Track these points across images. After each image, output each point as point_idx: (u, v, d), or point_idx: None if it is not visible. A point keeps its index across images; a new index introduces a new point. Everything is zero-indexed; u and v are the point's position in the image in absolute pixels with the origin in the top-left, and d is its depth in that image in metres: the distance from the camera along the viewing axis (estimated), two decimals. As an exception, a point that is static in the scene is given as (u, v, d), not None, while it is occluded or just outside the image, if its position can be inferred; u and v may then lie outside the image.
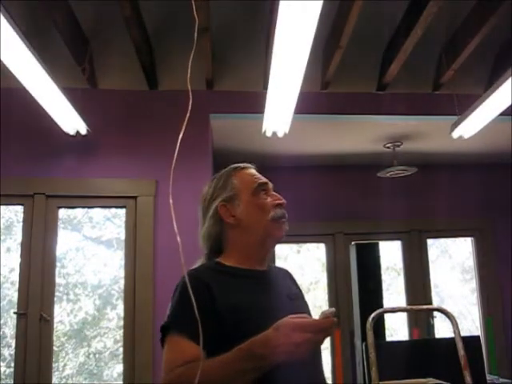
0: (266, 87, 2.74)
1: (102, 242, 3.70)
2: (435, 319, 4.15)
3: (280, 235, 1.39)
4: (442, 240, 4.82)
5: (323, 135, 3.76)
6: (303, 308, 1.44)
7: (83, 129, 2.89)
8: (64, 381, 3.54)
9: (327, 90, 3.34)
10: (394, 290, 4.78)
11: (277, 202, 1.40)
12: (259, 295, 1.31)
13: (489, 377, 3.15)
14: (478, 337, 2.52)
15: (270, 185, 1.44)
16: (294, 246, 4.78)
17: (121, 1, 2.39)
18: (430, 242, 4.54)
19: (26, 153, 3.08)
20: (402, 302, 4.42)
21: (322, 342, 1.09)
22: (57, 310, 3.22)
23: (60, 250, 3.23)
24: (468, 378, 1.28)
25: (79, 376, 3.57)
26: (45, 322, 2.93)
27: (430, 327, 4.15)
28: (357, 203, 4.34)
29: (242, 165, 1.47)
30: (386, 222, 4.32)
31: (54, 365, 3.08)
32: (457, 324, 1.38)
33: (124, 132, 3.18)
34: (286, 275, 1.54)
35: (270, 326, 1.07)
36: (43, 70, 2.25)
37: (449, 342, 1.52)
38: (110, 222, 3.67)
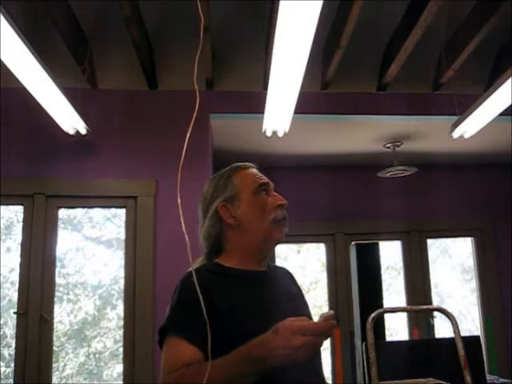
0: (266, 87, 2.75)
1: (101, 242, 3.70)
2: (435, 319, 4.15)
3: (280, 237, 1.38)
4: (442, 240, 4.82)
5: (323, 135, 3.76)
6: (303, 308, 1.44)
7: (83, 129, 2.89)
8: (64, 381, 3.54)
9: (327, 90, 3.34)
10: (393, 290, 4.78)
11: (278, 202, 1.38)
12: (258, 296, 1.30)
13: (489, 377, 3.15)
14: (477, 337, 2.51)
15: (272, 185, 1.43)
16: (293, 246, 4.78)
17: (121, 1, 2.39)
18: (429, 242, 4.54)
19: (26, 153, 3.08)
20: (402, 302, 4.42)
21: (321, 344, 1.08)
22: (57, 309, 3.22)
23: (60, 250, 3.23)
24: (468, 378, 1.28)
25: (79, 376, 3.57)
26: (45, 322, 2.93)
27: (430, 327, 4.15)
28: (357, 203, 4.34)
29: (243, 164, 1.45)
30: (386, 221, 4.32)
31: (54, 365, 3.08)
32: (457, 324, 1.38)
33: (124, 132, 3.18)
34: (287, 275, 1.54)
35: (269, 327, 1.06)
36: (43, 70, 2.25)
37: (449, 342, 1.51)
38: (110, 222, 3.67)
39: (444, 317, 1.42)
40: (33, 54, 2.10)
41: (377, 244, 3.83)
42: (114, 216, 3.59)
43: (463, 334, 1.41)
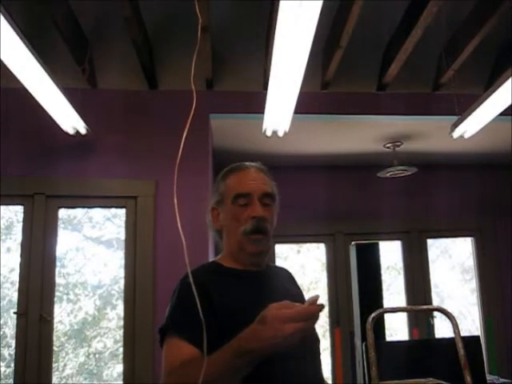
0: (266, 87, 2.75)
1: (102, 242, 3.70)
2: (435, 319, 4.15)
3: (252, 250, 1.34)
4: (442, 240, 4.82)
5: (323, 135, 3.76)
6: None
7: (83, 129, 2.89)
8: (64, 381, 3.54)
9: (327, 90, 3.34)
10: (394, 290, 4.78)
11: (251, 214, 1.33)
12: (256, 296, 1.30)
13: (489, 377, 3.15)
14: (477, 337, 2.51)
15: (257, 194, 1.35)
16: (294, 246, 4.79)
17: (121, 1, 2.39)
18: (430, 242, 4.55)
19: (26, 153, 3.08)
20: (402, 302, 4.42)
21: (311, 328, 1.06)
22: (57, 310, 3.22)
23: (60, 250, 3.23)
24: (468, 378, 1.28)
25: (79, 376, 3.57)
26: (45, 322, 2.93)
27: (430, 327, 4.15)
28: (357, 203, 4.34)
29: (238, 165, 1.44)
30: (386, 221, 4.32)
31: (54, 365, 3.08)
32: (457, 324, 1.38)
33: (124, 132, 3.18)
34: (286, 275, 1.54)
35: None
36: (43, 70, 2.25)
37: (449, 342, 1.51)
38: (110, 222, 3.67)
39: (444, 317, 1.42)
40: (33, 54, 2.10)
41: (377, 244, 3.83)
42: (114, 216, 3.60)
43: (463, 334, 1.41)
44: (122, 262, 3.12)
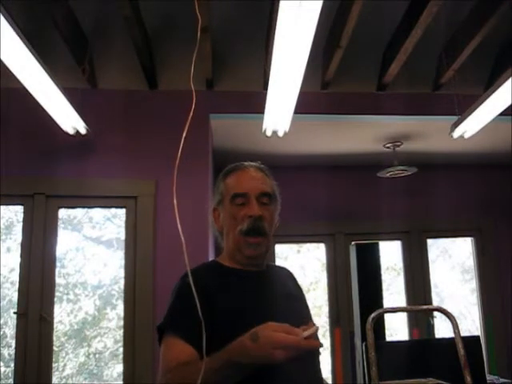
0: (266, 87, 2.74)
1: (101, 242, 3.70)
2: (435, 319, 4.15)
3: (249, 254, 1.33)
4: (442, 240, 4.82)
5: (323, 135, 3.76)
6: (301, 308, 1.44)
7: (83, 129, 2.89)
8: (64, 381, 3.54)
9: (327, 90, 3.34)
10: (394, 290, 4.78)
11: (248, 213, 1.33)
12: (256, 297, 1.31)
13: (489, 377, 3.15)
14: (477, 337, 2.51)
15: (255, 193, 1.35)
16: (294, 246, 4.78)
17: (121, 1, 2.39)
18: (430, 242, 4.54)
19: (26, 153, 3.08)
20: (402, 302, 4.42)
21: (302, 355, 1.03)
22: (57, 310, 3.22)
23: (60, 250, 3.23)
24: (468, 378, 1.28)
25: (79, 376, 3.57)
26: (45, 322, 2.93)
27: (430, 327, 4.15)
28: (357, 203, 4.34)
29: (235, 166, 1.44)
30: (386, 221, 4.32)
31: (54, 365, 3.08)
32: (457, 324, 1.38)
33: (124, 132, 3.18)
34: (286, 275, 1.54)
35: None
36: (43, 70, 2.25)
37: (449, 342, 1.51)
38: (110, 222, 3.67)
39: (444, 317, 1.42)
40: (33, 54, 2.10)
41: (377, 244, 3.83)
42: (114, 216, 3.60)
43: (463, 334, 1.41)
44: (122, 262, 3.12)
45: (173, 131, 3.06)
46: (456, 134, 3.05)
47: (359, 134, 3.76)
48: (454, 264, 4.97)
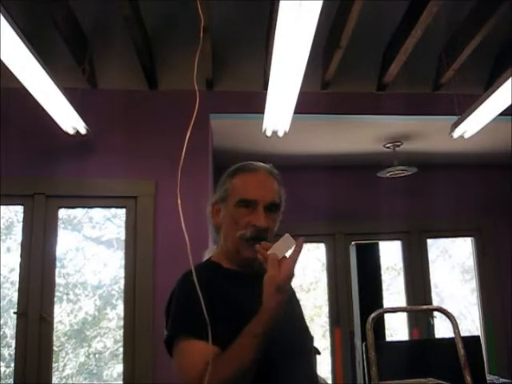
0: (266, 87, 2.74)
1: (101, 242, 3.70)
2: (435, 319, 4.15)
3: (248, 256, 1.30)
4: (442, 240, 4.82)
5: (323, 135, 3.76)
6: (295, 307, 1.43)
7: (83, 129, 2.89)
8: (64, 381, 3.54)
9: (327, 90, 3.34)
10: (394, 290, 4.78)
11: (253, 222, 1.29)
12: (255, 298, 1.30)
13: (489, 377, 3.15)
14: (477, 337, 2.52)
15: (264, 202, 1.31)
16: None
17: (121, 1, 2.39)
18: (430, 242, 4.55)
19: (26, 153, 3.08)
20: (402, 302, 4.42)
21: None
22: (57, 310, 3.22)
23: (60, 250, 3.23)
24: (468, 378, 1.28)
25: (79, 376, 3.57)
26: (45, 322, 2.93)
27: (430, 327, 4.15)
28: (357, 203, 4.34)
29: (247, 167, 1.38)
30: (386, 221, 4.32)
31: (54, 365, 3.08)
32: (457, 324, 1.38)
33: (124, 132, 3.18)
34: None
35: None
36: (43, 70, 2.25)
37: (449, 342, 1.51)
38: (110, 222, 3.67)
39: (444, 317, 1.42)
40: (33, 54, 2.10)
41: (377, 244, 3.83)
42: (114, 216, 3.60)
43: (463, 334, 1.41)
44: (122, 262, 3.12)
45: (173, 131, 3.07)
46: (456, 134, 3.05)
47: (359, 134, 3.76)
48: (453, 264, 4.97)
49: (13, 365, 2.93)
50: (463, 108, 2.92)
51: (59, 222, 3.14)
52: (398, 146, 3.90)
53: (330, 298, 4.31)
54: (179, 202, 1.03)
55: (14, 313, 2.95)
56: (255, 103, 2.96)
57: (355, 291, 3.71)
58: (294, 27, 1.78)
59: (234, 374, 1.09)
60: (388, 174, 3.97)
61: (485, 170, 4.43)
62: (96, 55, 3.11)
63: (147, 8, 2.80)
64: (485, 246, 4.46)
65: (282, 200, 1.40)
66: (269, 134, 2.92)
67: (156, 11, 2.94)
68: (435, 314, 4.10)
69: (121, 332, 3.10)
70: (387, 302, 3.99)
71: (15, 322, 2.95)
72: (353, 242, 4.12)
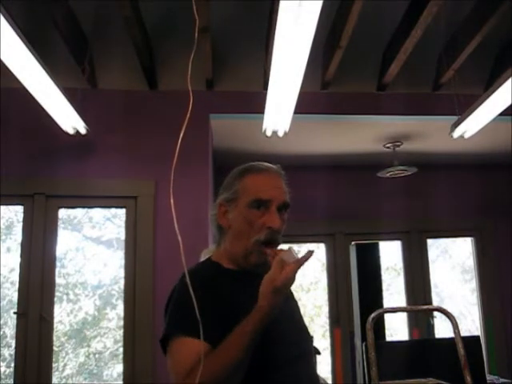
0: (266, 87, 2.74)
1: (102, 242, 3.70)
2: (435, 319, 4.15)
3: (256, 262, 1.29)
4: (442, 240, 4.82)
5: (323, 135, 3.76)
6: (294, 308, 1.43)
7: (83, 129, 2.89)
8: (64, 381, 3.54)
9: (327, 90, 3.34)
10: (394, 290, 4.78)
11: (268, 224, 1.27)
12: (253, 298, 1.30)
13: (489, 377, 3.15)
14: (477, 337, 2.52)
15: (277, 201, 1.29)
16: (293, 246, 4.78)
17: (121, 1, 2.39)
18: (430, 242, 4.55)
19: (26, 153, 3.08)
20: (402, 302, 4.42)
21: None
22: (57, 310, 3.22)
23: (60, 250, 3.23)
24: (468, 378, 1.28)
25: (79, 376, 3.57)
26: (45, 322, 2.93)
27: (430, 327, 4.15)
28: (357, 203, 4.34)
29: (257, 167, 1.36)
30: (386, 221, 4.32)
31: (54, 365, 3.08)
32: (457, 324, 1.38)
33: (124, 132, 3.18)
34: None
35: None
36: (43, 70, 2.25)
37: (449, 342, 1.52)
38: (110, 222, 3.67)
39: (444, 317, 1.42)
40: (33, 54, 2.10)
41: (377, 244, 3.83)
42: (114, 216, 3.60)
43: (463, 334, 1.41)
44: (122, 262, 3.12)
45: (173, 131, 3.06)
46: (456, 134, 3.05)
47: (359, 134, 3.76)
48: (454, 264, 4.97)
49: (13, 365, 2.93)
50: (463, 108, 2.92)
51: (59, 222, 3.14)
52: (398, 146, 3.90)
53: (329, 298, 4.31)
54: (172, 201, 1.03)
55: (14, 313, 2.95)
56: (255, 103, 2.96)
57: (355, 291, 3.71)
58: (294, 27, 1.78)
59: (222, 371, 1.10)
60: (388, 174, 3.97)
61: (485, 170, 4.43)
62: (96, 55, 3.11)
63: (147, 8, 2.80)
64: (485, 246, 4.46)
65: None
66: (269, 133, 2.91)
67: (156, 11, 2.94)
68: (435, 313, 4.10)
69: (121, 332, 3.10)
70: (387, 302, 3.99)
71: (15, 321, 2.95)
72: (353, 242, 4.13)
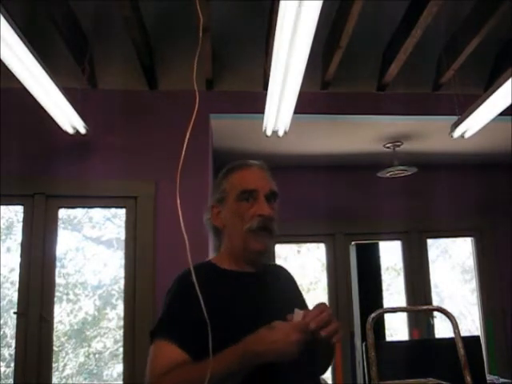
0: (266, 87, 2.74)
1: (102, 241, 3.70)
2: (435, 319, 4.15)
3: (257, 248, 1.31)
4: (442, 240, 4.82)
5: (323, 135, 3.76)
6: (297, 308, 1.43)
7: (82, 128, 2.89)
8: (64, 381, 3.54)
9: (327, 90, 3.34)
10: (394, 290, 4.78)
11: (258, 212, 1.30)
12: (253, 298, 1.29)
13: (489, 377, 3.15)
14: (477, 337, 2.51)
15: (263, 191, 1.33)
16: (293, 246, 4.79)
17: (121, 1, 2.39)
18: (430, 242, 4.54)
19: (26, 153, 3.08)
20: (402, 302, 4.42)
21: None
22: (57, 310, 3.22)
23: (60, 250, 3.23)
24: (468, 378, 1.28)
25: (79, 376, 3.57)
26: (45, 322, 2.93)
27: (430, 327, 4.15)
28: (357, 203, 4.34)
29: (241, 164, 1.41)
30: (386, 221, 4.32)
31: (54, 365, 3.08)
32: (457, 324, 1.38)
33: (124, 132, 3.18)
34: (282, 274, 1.51)
35: (256, 329, 1.08)
36: (43, 70, 2.25)
37: (449, 342, 1.51)
38: (110, 222, 3.67)
39: (444, 317, 1.42)
40: (33, 54, 2.10)
41: (377, 244, 3.83)
42: (114, 216, 3.60)
43: (463, 334, 1.41)
44: (122, 261, 3.12)
45: (173, 131, 3.08)
46: (456, 134, 3.05)
47: (359, 134, 3.76)
48: (454, 264, 4.97)
49: (13, 365, 2.93)
50: (463, 108, 2.92)
51: (59, 222, 3.14)
52: (398, 146, 3.90)
53: (330, 298, 4.31)
54: (178, 201, 1.03)
55: (14, 313, 2.95)
56: (255, 103, 2.96)
57: (355, 291, 3.71)
58: (294, 27, 1.79)
59: None
60: (388, 174, 3.97)
61: (485, 170, 4.43)
62: (96, 55, 3.11)
63: (147, 8, 2.80)
64: (485, 245, 4.46)
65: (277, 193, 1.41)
66: (269, 133, 2.92)
67: (156, 11, 2.94)
68: (435, 314, 4.10)
69: (121, 332, 3.10)
70: (387, 302, 3.99)
71: (15, 321, 2.95)
72: (353, 242, 4.13)
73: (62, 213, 3.24)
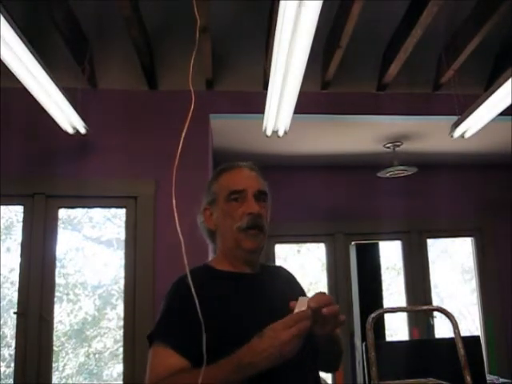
0: (266, 87, 2.74)
1: (102, 242, 3.70)
2: (435, 319, 4.15)
3: (248, 247, 1.32)
4: (442, 240, 4.82)
5: (323, 135, 3.76)
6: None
7: (82, 128, 2.89)
8: (64, 381, 3.54)
9: (327, 90, 3.34)
10: (394, 290, 4.78)
11: (247, 211, 1.31)
12: (250, 300, 1.29)
13: (489, 377, 3.15)
14: (477, 337, 2.52)
15: (251, 191, 1.34)
16: (293, 246, 4.79)
17: (121, 1, 2.39)
18: (430, 242, 4.54)
19: (26, 153, 3.08)
20: (402, 302, 4.42)
21: (306, 330, 1.06)
22: (57, 309, 3.22)
23: (60, 250, 3.23)
24: (468, 378, 1.28)
25: (79, 376, 3.57)
26: (45, 322, 2.93)
27: (430, 327, 4.15)
28: (357, 203, 4.34)
29: (229, 165, 1.43)
30: (386, 221, 4.32)
31: (54, 365, 3.08)
32: (457, 324, 1.38)
33: (124, 132, 3.18)
34: (282, 275, 1.51)
35: (255, 332, 1.07)
36: (43, 70, 2.25)
37: (449, 342, 1.51)
38: (110, 222, 3.67)
39: (444, 317, 1.42)
40: (33, 54, 2.10)
41: (377, 244, 3.83)
42: (113, 216, 3.60)
43: (463, 334, 1.41)
44: (122, 261, 3.12)
45: (173, 131, 3.07)
46: (456, 133, 3.05)
47: (359, 134, 3.76)
48: (453, 264, 4.97)
49: (13, 365, 2.93)
50: (463, 108, 2.92)
51: (59, 222, 3.14)
52: (398, 146, 3.90)
53: (329, 298, 4.31)
54: (174, 202, 1.03)
55: (14, 313, 2.95)
56: (255, 103, 2.96)
57: (355, 291, 3.71)
58: (294, 27, 1.79)
59: None
60: (388, 174, 3.97)
61: (485, 170, 4.43)
62: (96, 55, 3.11)
63: (147, 8, 2.80)
64: (485, 245, 4.46)
65: (269, 193, 1.42)
66: (269, 133, 2.92)
67: (156, 11, 2.94)
68: (435, 314, 4.10)
69: (121, 332, 3.09)
70: (387, 302, 3.99)
71: (15, 322, 2.95)
72: (353, 242, 4.13)
73: (62, 213, 3.24)
